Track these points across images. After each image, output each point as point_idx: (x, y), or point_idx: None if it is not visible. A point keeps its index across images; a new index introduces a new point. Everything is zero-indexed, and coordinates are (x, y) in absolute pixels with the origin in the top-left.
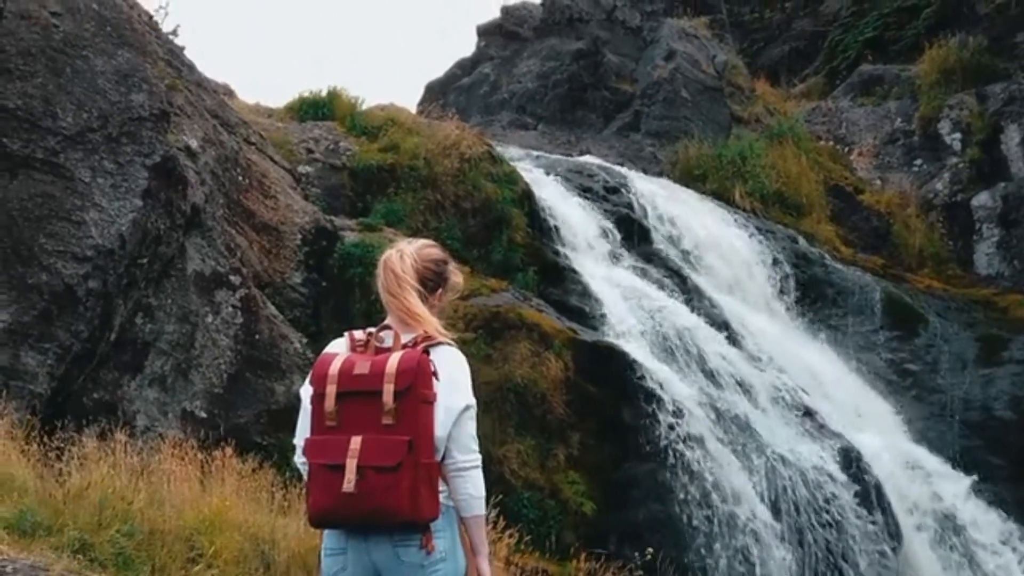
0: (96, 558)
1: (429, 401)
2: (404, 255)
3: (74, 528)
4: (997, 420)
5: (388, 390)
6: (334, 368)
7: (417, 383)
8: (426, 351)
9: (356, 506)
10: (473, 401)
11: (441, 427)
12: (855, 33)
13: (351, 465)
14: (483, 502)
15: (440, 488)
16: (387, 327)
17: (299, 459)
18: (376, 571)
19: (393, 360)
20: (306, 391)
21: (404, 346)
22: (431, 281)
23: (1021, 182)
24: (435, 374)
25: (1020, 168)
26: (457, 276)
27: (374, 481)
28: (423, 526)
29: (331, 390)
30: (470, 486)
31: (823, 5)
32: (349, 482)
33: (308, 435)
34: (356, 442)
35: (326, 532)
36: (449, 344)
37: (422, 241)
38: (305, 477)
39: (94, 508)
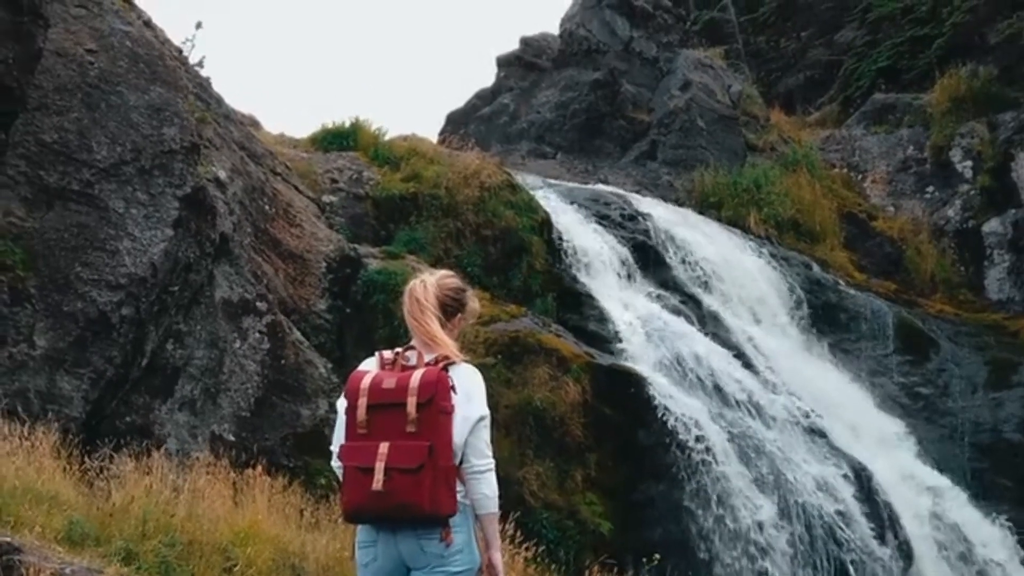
0: (141, 566)
1: (447, 412)
2: (427, 285)
3: (120, 539)
4: (1006, 443)
5: (411, 402)
6: (365, 383)
7: (437, 396)
8: (445, 369)
9: (384, 503)
10: (487, 412)
11: (459, 435)
12: (869, 62)
13: (379, 467)
14: (496, 501)
15: (457, 488)
16: (412, 347)
17: (335, 463)
18: (402, 561)
19: (416, 376)
20: (341, 403)
21: (426, 364)
22: (451, 307)
23: None
24: (453, 388)
25: None
26: (474, 302)
27: (399, 481)
28: (443, 521)
29: (362, 402)
30: (485, 487)
31: (838, 35)
32: (378, 482)
33: (343, 442)
34: (384, 447)
35: (359, 527)
36: (466, 363)
37: (443, 272)
38: (340, 478)
39: (137, 521)
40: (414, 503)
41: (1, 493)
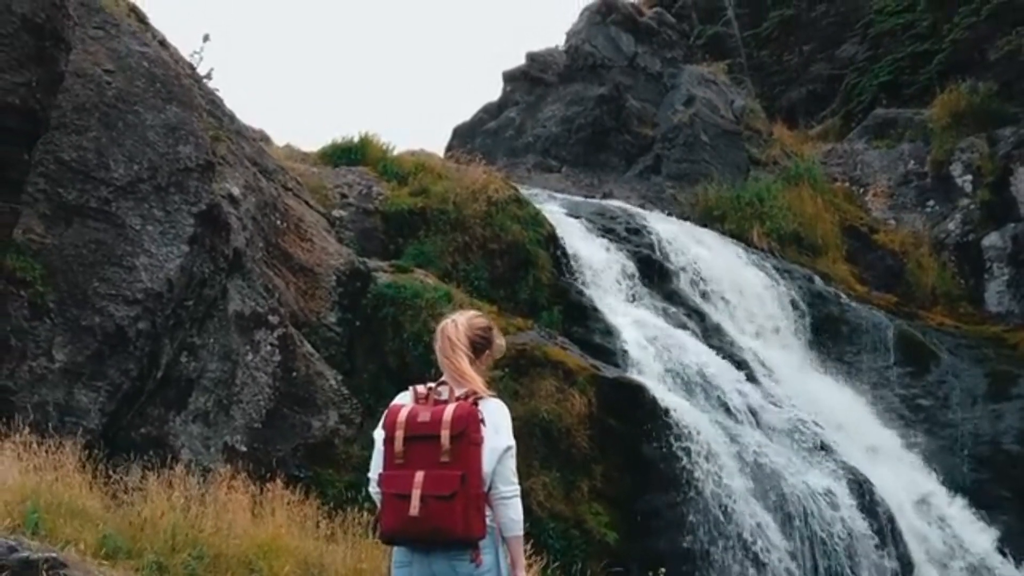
0: None
1: (477, 443)
2: (458, 324)
3: (151, 552)
4: (1005, 454)
5: (445, 435)
6: (401, 417)
7: (468, 429)
8: (475, 403)
9: (420, 527)
10: (513, 443)
11: (487, 464)
12: (870, 77)
13: (416, 494)
14: (521, 524)
15: (486, 513)
16: (444, 383)
17: (373, 489)
18: None
19: (449, 410)
20: (379, 435)
21: (457, 399)
22: (479, 345)
23: None
24: (483, 421)
25: None
26: (500, 339)
27: (434, 507)
28: (473, 543)
29: (399, 434)
30: (511, 511)
31: (839, 49)
32: (414, 508)
33: (381, 470)
34: (419, 476)
35: (395, 548)
36: (494, 397)
37: (472, 312)
38: (378, 504)
39: (166, 535)
40: (448, 527)
41: (37, 508)
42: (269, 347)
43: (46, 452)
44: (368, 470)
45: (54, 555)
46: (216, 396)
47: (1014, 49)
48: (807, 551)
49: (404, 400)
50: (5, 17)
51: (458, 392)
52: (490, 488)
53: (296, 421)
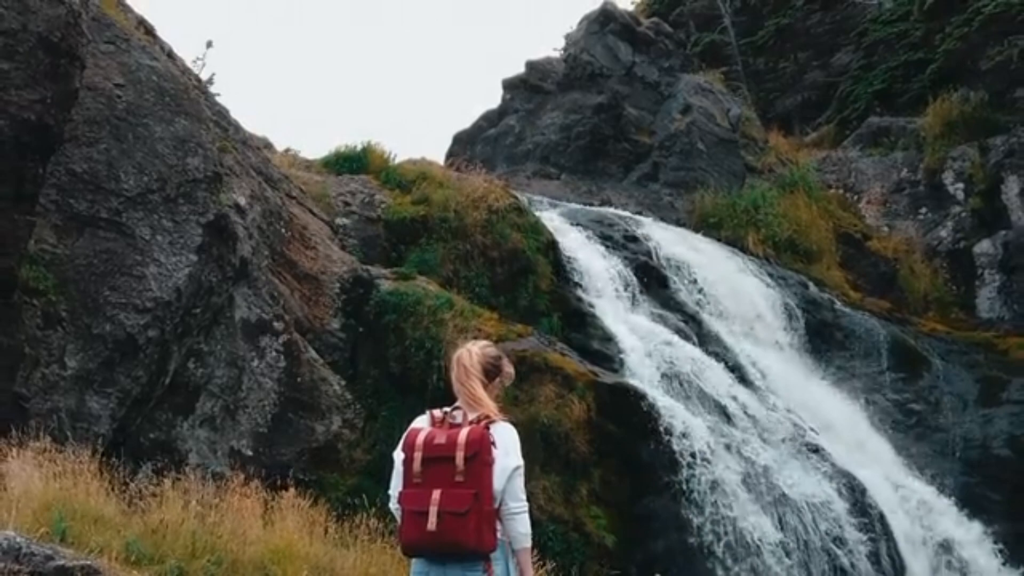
0: None
1: (489, 464)
2: (472, 353)
3: (173, 558)
4: (995, 458)
5: (459, 456)
6: (420, 439)
7: (481, 451)
8: (487, 426)
9: (437, 541)
10: (522, 463)
11: (498, 482)
12: (864, 85)
13: (433, 511)
14: (529, 537)
15: (497, 527)
16: (458, 408)
17: (393, 505)
18: None
19: (463, 434)
20: (399, 456)
21: (471, 423)
22: (491, 372)
23: (1021, 230)
24: (494, 444)
25: (1020, 217)
26: (510, 367)
27: (449, 522)
28: (485, 555)
29: (418, 456)
30: (520, 526)
31: (834, 57)
32: (431, 523)
33: (400, 488)
34: (436, 494)
35: (414, 560)
36: (504, 421)
37: (484, 342)
38: (398, 520)
39: (187, 541)
40: (462, 541)
41: (63, 515)
42: (274, 353)
43: (64, 459)
44: (371, 474)
45: (88, 562)
46: (223, 401)
47: (1005, 59)
48: (801, 551)
49: (422, 424)
50: (21, 36)
51: (471, 416)
52: (500, 504)
53: (301, 426)
